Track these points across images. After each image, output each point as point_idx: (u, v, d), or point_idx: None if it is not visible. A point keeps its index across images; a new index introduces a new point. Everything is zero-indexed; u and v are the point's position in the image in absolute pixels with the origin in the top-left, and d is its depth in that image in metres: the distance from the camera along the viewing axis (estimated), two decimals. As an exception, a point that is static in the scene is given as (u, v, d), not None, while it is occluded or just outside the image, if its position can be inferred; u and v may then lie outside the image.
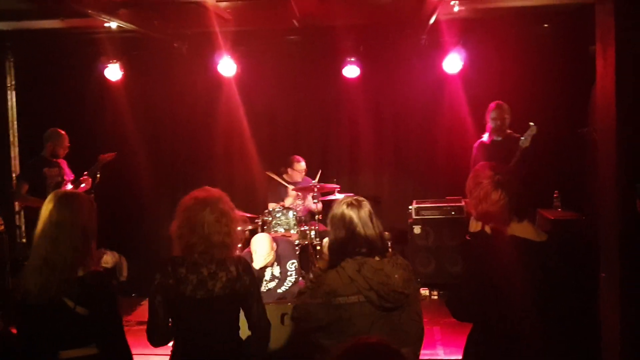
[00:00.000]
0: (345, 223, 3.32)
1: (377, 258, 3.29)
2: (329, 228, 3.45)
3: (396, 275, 3.22)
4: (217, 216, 3.39)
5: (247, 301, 3.42)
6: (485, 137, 7.10)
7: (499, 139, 6.96)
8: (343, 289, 3.23)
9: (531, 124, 6.42)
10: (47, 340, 3.17)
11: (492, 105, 7.03)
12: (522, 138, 6.47)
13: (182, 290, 3.32)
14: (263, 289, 6.16)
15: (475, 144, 7.19)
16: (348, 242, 3.31)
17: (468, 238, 3.23)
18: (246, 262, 3.48)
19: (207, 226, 3.35)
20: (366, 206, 3.38)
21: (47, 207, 3.24)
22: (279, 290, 6.11)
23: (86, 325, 3.15)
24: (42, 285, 3.11)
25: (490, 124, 7.02)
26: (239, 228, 3.62)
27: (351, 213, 3.32)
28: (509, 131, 7.00)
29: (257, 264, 5.86)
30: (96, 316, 3.16)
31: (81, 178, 7.38)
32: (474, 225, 3.17)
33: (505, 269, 2.89)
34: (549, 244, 3.00)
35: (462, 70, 7.89)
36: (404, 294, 3.21)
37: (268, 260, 6.01)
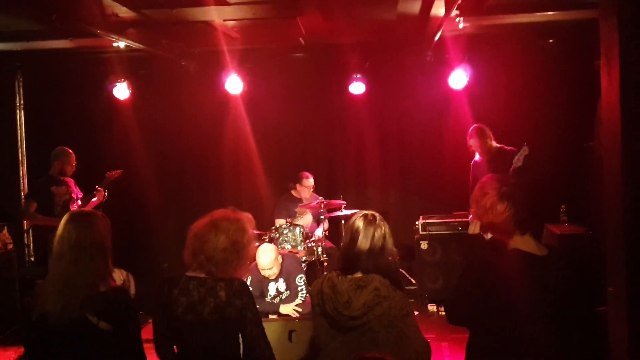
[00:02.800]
0: (351, 231, 3.32)
1: (356, 275, 3.22)
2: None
3: (352, 296, 3.14)
4: (225, 240, 3.34)
5: (240, 325, 3.29)
6: (477, 157, 7.22)
7: (491, 155, 7.04)
8: (313, 298, 3.30)
9: (524, 145, 6.44)
10: (67, 359, 3.17)
11: (469, 133, 7.23)
12: (515, 159, 6.49)
13: (174, 311, 3.31)
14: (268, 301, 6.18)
15: (471, 163, 7.29)
16: (345, 250, 3.32)
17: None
18: (240, 286, 3.34)
19: (211, 247, 3.33)
20: (380, 225, 3.33)
21: (64, 228, 3.23)
22: (289, 304, 6.12)
23: (108, 341, 3.15)
24: (64, 306, 3.10)
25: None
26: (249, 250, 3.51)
27: (359, 224, 3.30)
28: (498, 146, 7.08)
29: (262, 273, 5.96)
30: (119, 331, 3.17)
31: (95, 192, 7.40)
32: (473, 228, 3.16)
33: (505, 281, 2.89)
34: (550, 258, 3.00)
35: (467, 86, 7.92)
36: (351, 316, 3.12)
37: (271, 273, 6.02)
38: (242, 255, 3.40)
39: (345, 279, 3.23)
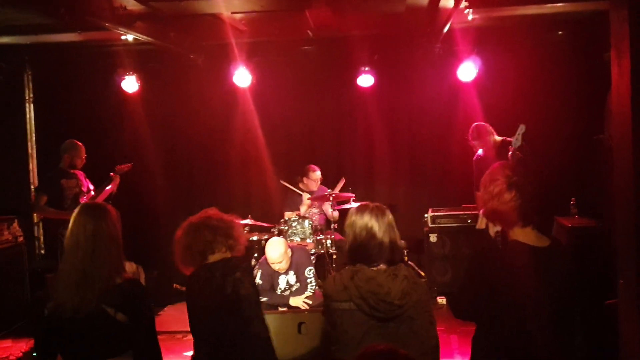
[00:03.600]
0: (355, 227, 3.31)
1: (381, 266, 3.26)
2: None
3: (391, 286, 3.16)
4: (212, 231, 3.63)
5: (246, 304, 3.54)
6: (480, 152, 7.19)
7: (496, 149, 7.01)
8: (337, 295, 3.23)
9: (521, 124, 6.39)
10: (83, 352, 3.19)
11: (470, 133, 7.21)
12: (513, 140, 6.43)
13: (192, 300, 3.51)
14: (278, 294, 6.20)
15: (474, 158, 7.26)
16: (357, 246, 3.30)
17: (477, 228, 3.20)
18: (248, 266, 3.62)
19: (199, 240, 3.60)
20: (388, 214, 3.35)
21: (78, 220, 3.25)
22: (299, 297, 6.14)
23: (124, 333, 3.18)
24: (81, 298, 3.12)
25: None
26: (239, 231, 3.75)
27: (365, 218, 3.31)
28: (499, 139, 7.04)
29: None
30: (135, 323, 3.19)
31: (109, 180, 7.44)
32: (480, 223, 3.15)
33: (504, 273, 2.89)
34: (551, 249, 2.98)
35: (476, 78, 7.88)
36: (396, 305, 3.14)
37: (281, 267, 6.03)
38: (230, 234, 3.69)
39: (380, 270, 3.24)
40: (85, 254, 3.17)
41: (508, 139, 6.89)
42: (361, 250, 3.29)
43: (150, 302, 3.38)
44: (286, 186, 8.22)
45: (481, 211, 3.17)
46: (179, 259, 3.70)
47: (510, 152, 6.32)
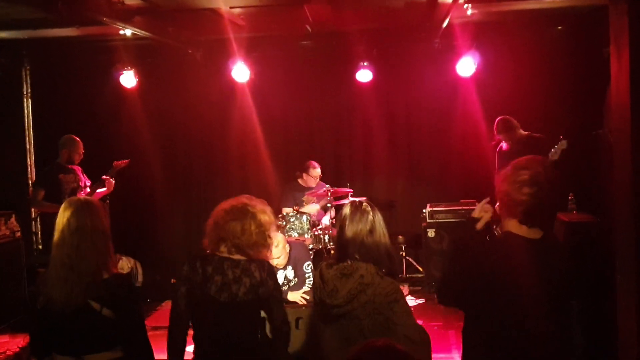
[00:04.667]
0: (339, 220, 3.42)
1: (348, 262, 3.30)
2: None
3: (338, 285, 3.21)
4: (256, 225, 3.51)
5: (270, 305, 3.49)
6: (504, 145, 7.17)
7: (520, 144, 6.99)
8: (313, 290, 3.41)
9: (563, 139, 6.46)
10: (72, 346, 3.19)
11: (496, 126, 7.22)
12: (551, 152, 6.48)
13: (207, 289, 3.39)
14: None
15: (497, 150, 7.24)
16: (337, 239, 3.41)
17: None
18: (270, 267, 3.53)
19: (242, 231, 3.46)
20: (368, 212, 3.36)
21: (63, 215, 3.25)
22: (297, 292, 6.13)
23: (112, 328, 3.17)
24: (68, 292, 3.13)
25: None
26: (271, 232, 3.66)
27: (346, 212, 3.38)
28: (525, 133, 7.02)
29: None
30: (121, 318, 3.18)
31: (102, 177, 7.41)
32: (478, 212, 3.11)
33: (495, 263, 2.88)
34: (544, 241, 2.96)
35: (475, 74, 7.87)
36: (332, 305, 3.20)
37: (279, 262, 6.02)
38: (268, 236, 3.57)
39: (332, 269, 3.30)
40: (71, 249, 3.17)
41: (535, 134, 6.88)
42: (337, 244, 3.40)
43: (138, 298, 3.37)
44: (286, 182, 8.27)
45: (483, 202, 3.12)
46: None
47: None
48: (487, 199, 3.12)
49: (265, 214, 3.58)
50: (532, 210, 2.89)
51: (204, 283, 3.39)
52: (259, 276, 3.43)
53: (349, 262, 3.29)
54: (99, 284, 3.16)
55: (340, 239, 3.35)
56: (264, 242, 3.53)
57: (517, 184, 2.91)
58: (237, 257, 3.46)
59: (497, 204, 3.06)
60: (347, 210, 3.38)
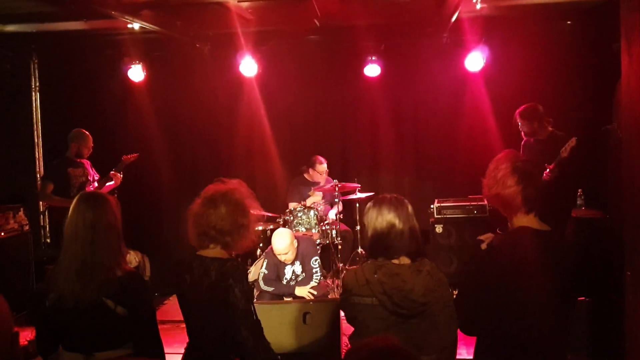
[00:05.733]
0: (375, 220, 3.26)
1: (403, 261, 3.20)
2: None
3: (415, 282, 3.10)
4: (226, 209, 3.36)
5: (229, 305, 3.24)
6: (530, 138, 7.13)
7: (541, 138, 6.94)
8: (358, 289, 3.17)
9: (573, 137, 6.44)
10: (82, 342, 3.18)
11: (516, 113, 7.04)
12: (562, 149, 6.49)
13: (181, 289, 3.36)
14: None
15: (522, 143, 7.19)
16: (377, 239, 3.25)
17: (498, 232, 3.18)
18: (233, 267, 3.28)
19: (216, 219, 3.33)
20: (408, 206, 3.32)
21: (77, 210, 3.21)
22: (304, 287, 6.13)
23: (124, 326, 3.17)
24: (81, 289, 3.10)
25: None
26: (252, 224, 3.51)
27: (384, 211, 3.26)
28: (550, 129, 6.96)
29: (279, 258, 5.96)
30: (135, 316, 3.18)
31: (110, 173, 7.43)
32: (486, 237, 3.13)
33: (516, 258, 2.90)
34: (553, 234, 3.02)
35: (484, 68, 7.84)
36: (419, 302, 3.09)
37: (287, 258, 6.03)
38: (247, 214, 3.40)
39: (404, 266, 3.18)
40: (85, 244, 3.14)
41: (558, 132, 6.85)
42: (381, 242, 3.24)
43: (151, 295, 3.37)
44: (293, 176, 8.26)
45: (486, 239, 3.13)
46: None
47: (557, 159, 6.46)
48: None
49: (235, 194, 3.42)
50: (527, 195, 2.97)
51: (178, 284, 3.38)
52: (214, 276, 3.25)
53: (407, 258, 3.22)
54: (113, 281, 3.14)
55: (389, 235, 3.21)
56: (240, 225, 3.34)
57: (500, 182, 3.00)
58: (212, 253, 3.32)
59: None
60: (388, 205, 3.27)
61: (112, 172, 7.44)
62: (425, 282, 3.11)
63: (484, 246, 3.06)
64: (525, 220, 3.00)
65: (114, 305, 3.13)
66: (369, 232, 3.31)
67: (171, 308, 7.38)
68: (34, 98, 9.03)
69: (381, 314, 3.13)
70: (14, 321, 3.57)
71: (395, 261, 3.20)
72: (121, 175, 7.50)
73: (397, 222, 3.22)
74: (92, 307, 3.11)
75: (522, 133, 7.07)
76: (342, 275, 6.19)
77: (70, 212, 3.23)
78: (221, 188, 3.47)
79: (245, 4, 6.93)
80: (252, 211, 3.46)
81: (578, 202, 7.11)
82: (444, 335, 3.16)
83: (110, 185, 7.44)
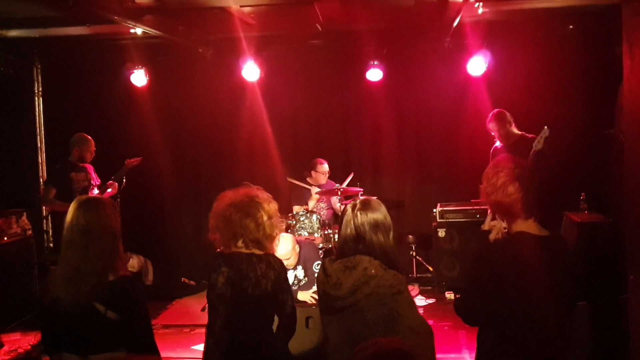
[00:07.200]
0: (341, 219, 3.47)
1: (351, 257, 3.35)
2: None
3: (341, 278, 3.25)
4: (266, 216, 3.48)
5: (284, 296, 3.50)
6: (498, 143, 7.15)
7: (512, 141, 6.97)
8: (319, 286, 3.42)
9: (545, 127, 6.39)
10: (77, 345, 3.19)
11: (489, 117, 7.13)
12: (535, 141, 6.43)
13: (244, 287, 3.33)
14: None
15: (491, 150, 7.23)
16: (340, 237, 3.46)
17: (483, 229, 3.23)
18: (280, 260, 3.57)
19: (255, 225, 3.43)
20: (366, 208, 3.38)
21: (72, 214, 3.24)
22: (307, 291, 6.13)
23: (116, 330, 3.17)
24: (74, 293, 3.12)
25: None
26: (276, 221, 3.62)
27: (347, 213, 3.42)
28: (519, 133, 7.01)
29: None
30: (126, 321, 3.18)
31: (108, 183, 7.45)
32: (486, 224, 3.17)
33: (511, 263, 2.92)
34: (552, 238, 3.03)
35: (486, 73, 7.84)
36: (336, 296, 3.24)
37: (289, 262, 6.01)
38: (277, 225, 3.56)
39: (335, 263, 3.34)
40: (78, 249, 3.16)
41: (528, 135, 6.85)
42: (339, 242, 3.44)
43: (145, 299, 3.34)
44: (294, 182, 8.22)
45: (489, 212, 3.17)
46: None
47: (531, 153, 6.33)
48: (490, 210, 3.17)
49: (271, 203, 3.60)
50: (526, 202, 2.97)
51: (241, 282, 3.34)
52: (278, 269, 3.46)
53: (352, 256, 3.32)
54: (104, 286, 3.14)
55: (343, 234, 3.38)
56: (276, 232, 3.54)
57: (500, 189, 3.00)
58: (257, 251, 3.45)
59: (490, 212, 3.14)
60: (349, 207, 3.42)
61: (112, 178, 7.48)
62: (354, 279, 3.23)
63: (492, 236, 3.09)
64: (524, 225, 3.01)
65: (104, 309, 3.13)
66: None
67: (174, 312, 7.37)
68: (36, 103, 9.05)
69: (323, 308, 3.40)
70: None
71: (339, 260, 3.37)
72: (117, 184, 7.52)
73: (347, 223, 3.39)
74: (83, 311, 3.12)
75: (498, 138, 7.12)
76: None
77: (67, 216, 3.26)
78: (255, 194, 3.59)
79: (247, 9, 6.95)
80: (279, 222, 3.64)
81: (581, 206, 7.11)
82: (375, 332, 3.19)
83: (108, 192, 7.45)
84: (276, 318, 3.55)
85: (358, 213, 3.36)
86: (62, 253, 3.23)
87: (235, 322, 3.39)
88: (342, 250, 3.38)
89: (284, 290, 3.50)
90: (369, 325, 3.22)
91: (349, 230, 3.36)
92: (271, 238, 3.50)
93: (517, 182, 2.96)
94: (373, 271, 3.23)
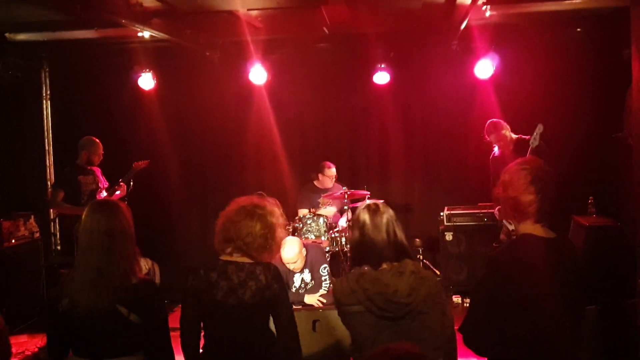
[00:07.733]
0: (359, 226, 3.28)
1: (384, 266, 3.19)
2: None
3: (397, 284, 3.10)
4: (260, 226, 3.41)
5: (276, 308, 3.40)
6: (496, 150, 7.15)
7: (512, 148, 6.96)
8: (345, 299, 3.18)
9: (539, 124, 6.36)
10: (93, 349, 3.17)
11: (485, 129, 7.15)
12: (531, 139, 6.41)
13: (213, 295, 3.32)
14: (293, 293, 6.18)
15: (490, 157, 7.21)
16: (360, 245, 3.26)
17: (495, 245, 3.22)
18: (276, 270, 3.46)
19: (247, 233, 3.38)
20: (385, 211, 3.29)
21: (91, 217, 3.20)
22: (314, 294, 6.11)
23: (137, 333, 3.17)
24: (96, 298, 3.09)
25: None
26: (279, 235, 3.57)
27: (365, 217, 3.27)
28: (516, 137, 7.00)
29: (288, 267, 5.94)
30: (148, 323, 3.18)
31: (116, 186, 7.46)
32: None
33: (523, 265, 2.90)
34: (559, 240, 3.02)
35: (493, 76, 7.83)
36: (403, 303, 3.08)
37: (296, 266, 6.01)
38: (276, 238, 3.49)
39: (384, 270, 3.18)
40: (100, 253, 3.13)
41: (525, 137, 6.84)
42: (363, 250, 3.25)
43: (163, 303, 3.36)
44: (306, 186, 8.28)
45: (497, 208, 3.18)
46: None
47: (528, 151, 6.29)
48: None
49: (273, 216, 3.48)
50: (543, 206, 2.95)
51: (209, 289, 3.33)
52: (264, 279, 3.35)
53: (388, 264, 3.20)
54: (128, 289, 3.13)
55: (365, 244, 3.23)
56: (267, 245, 3.43)
57: (522, 187, 2.97)
58: (242, 259, 3.39)
59: (497, 208, 3.12)
60: (365, 214, 3.27)
61: (120, 181, 7.48)
62: (408, 283, 3.11)
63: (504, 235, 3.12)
64: (530, 228, 3.00)
65: (128, 312, 3.12)
66: (351, 240, 3.39)
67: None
68: (45, 106, 9.07)
69: (370, 320, 3.15)
70: (3, 319, 3.58)
71: (379, 267, 3.20)
72: (125, 185, 7.52)
73: (374, 229, 3.22)
74: (105, 315, 3.10)
75: (500, 147, 7.14)
76: (330, 286, 6.17)
77: (83, 220, 3.22)
78: (263, 204, 3.52)
79: (254, 12, 6.95)
80: (281, 236, 3.57)
81: (589, 210, 7.08)
82: (436, 332, 3.17)
83: (117, 194, 7.46)
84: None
85: (378, 216, 3.25)
86: (79, 257, 3.19)
87: (211, 327, 3.44)
88: (373, 258, 3.21)
89: (276, 302, 3.39)
90: (429, 327, 3.16)
91: (375, 236, 3.21)
92: (262, 249, 3.41)
93: (541, 184, 2.95)
94: (421, 273, 3.18)
